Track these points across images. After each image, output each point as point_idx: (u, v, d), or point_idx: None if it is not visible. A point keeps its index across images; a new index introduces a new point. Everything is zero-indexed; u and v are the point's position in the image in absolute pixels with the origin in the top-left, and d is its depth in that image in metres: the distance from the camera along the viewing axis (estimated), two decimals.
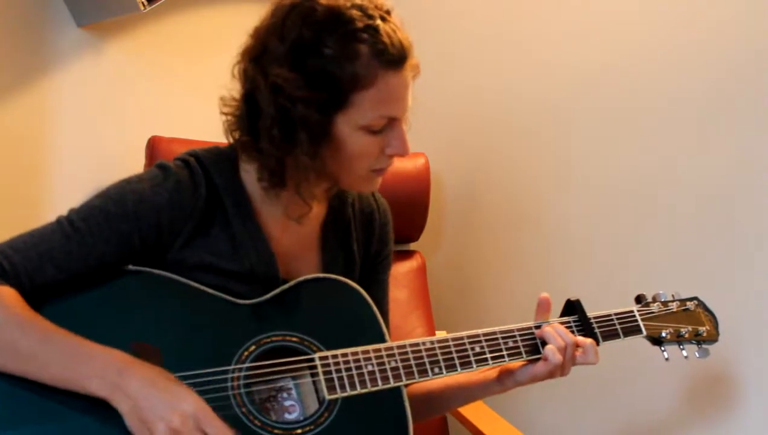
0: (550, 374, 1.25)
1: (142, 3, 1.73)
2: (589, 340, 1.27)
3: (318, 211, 1.31)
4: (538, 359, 1.26)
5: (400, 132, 1.17)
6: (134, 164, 1.79)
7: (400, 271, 1.96)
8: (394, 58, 1.11)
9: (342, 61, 1.09)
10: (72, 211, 1.15)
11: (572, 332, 1.29)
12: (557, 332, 1.26)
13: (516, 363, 1.28)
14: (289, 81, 1.10)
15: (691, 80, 1.73)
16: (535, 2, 2.00)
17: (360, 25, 1.10)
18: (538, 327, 1.29)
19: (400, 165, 1.95)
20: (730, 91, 1.68)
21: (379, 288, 1.37)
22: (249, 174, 1.23)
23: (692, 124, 1.74)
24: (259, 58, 1.13)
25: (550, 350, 1.24)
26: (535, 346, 1.27)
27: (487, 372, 1.31)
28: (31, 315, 1.06)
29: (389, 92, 1.13)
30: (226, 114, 1.20)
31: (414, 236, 2.02)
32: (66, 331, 1.06)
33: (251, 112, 1.15)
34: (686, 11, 1.73)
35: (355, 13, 1.10)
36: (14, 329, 1.03)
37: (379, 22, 1.11)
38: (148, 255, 1.17)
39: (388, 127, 1.16)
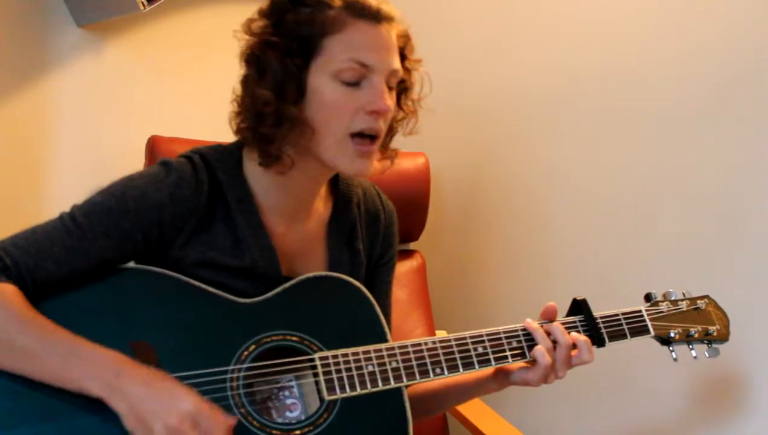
0: (544, 377, 1.24)
1: (142, 3, 1.73)
2: (582, 337, 1.26)
3: (324, 210, 1.31)
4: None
5: (376, 87, 1.16)
6: (134, 164, 1.78)
7: (400, 271, 1.95)
8: (367, 11, 1.15)
9: (315, 12, 1.14)
10: (74, 208, 1.15)
11: (578, 332, 1.28)
12: (551, 330, 1.26)
13: (514, 364, 1.27)
14: (266, 30, 1.16)
15: (692, 79, 1.73)
16: (536, 3, 2.00)
17: None
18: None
19: (400, 165, 1.94)
20: (730, 90, 1.68)
21: (381, 291, 1.37)
22: (253, 170, 1.23)
23: (693, 124, 1.74)
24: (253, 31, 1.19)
25: (539, 351, 1.23)
26: None
27: (484, 370, 1.29)
28: (30, 313, 1.06)
29: (360, 38, 1.15)
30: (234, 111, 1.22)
31: (414, 236, 2.02)
32: (65, 330, 1.06)
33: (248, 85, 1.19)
34: (685, 12, 1.73)
35: None
36: (13, 327, 1.04)
37: None
38: (151, 252, 1.18)
39: (366, 82, 1.16)
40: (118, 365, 1.04)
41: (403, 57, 1.23)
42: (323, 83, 1.16)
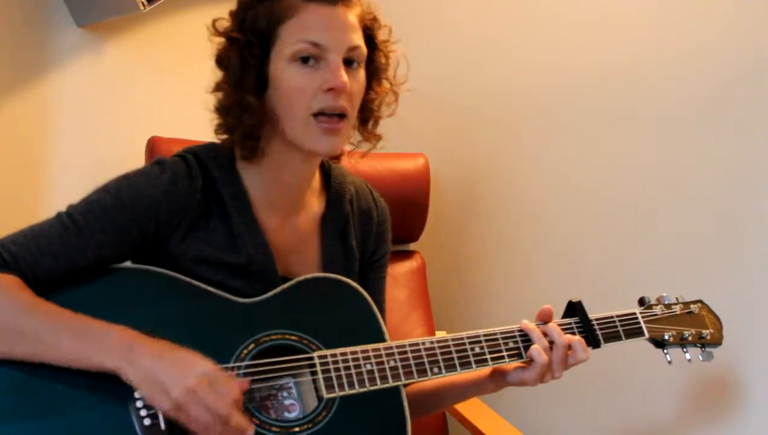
0: (541, 377, 1.25)
1: (142, 3, 1.73)
2: (576, 338, 1.27)
3: (317, 206, 1.33)
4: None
5: (331, 64, 1.17)
6: (134, 164, 1.76)
7: (400, 271, 1.95)
8: None
9: (274, 4, 1.18)
10: (71, 207, 1.17)
11: (573, 334, 1.29)
12: (548, 331, 1.26)
13: (510, 364, 1.27)
14: (230, 29, 1.20)
15: (693, 79, 1.73)
16: (535, 3, 2.00)
17: None
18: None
19: (400, 165, 1.95)
20: (730, 90, 1.68)
21: (375, 287, 1.38)
22: (244, 167, 1.25)
23: (692, 124, 1.74)
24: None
25: (535, 350, 1.24)
26: None
27: (481, 370, 1.30)
28: (36, 299, 1.07)
29: (312, 19, 1.17)
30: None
31: (414, 236, 2.02)
32: (73, 312, 1.07)
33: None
34: (685, 12, 1.74)
35: None
36: (21, 314, 1.05)
37: None
38: (148, 250, 1.19)
39: (323, 62, 1.18)
40: (131, 340, 1.05)
41: (370, 38, 1.24)
42: (281, 69, 1.18)
